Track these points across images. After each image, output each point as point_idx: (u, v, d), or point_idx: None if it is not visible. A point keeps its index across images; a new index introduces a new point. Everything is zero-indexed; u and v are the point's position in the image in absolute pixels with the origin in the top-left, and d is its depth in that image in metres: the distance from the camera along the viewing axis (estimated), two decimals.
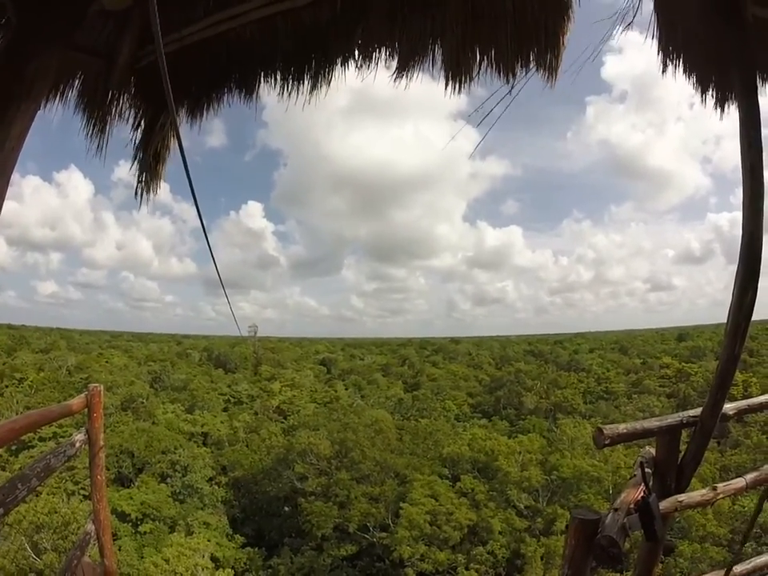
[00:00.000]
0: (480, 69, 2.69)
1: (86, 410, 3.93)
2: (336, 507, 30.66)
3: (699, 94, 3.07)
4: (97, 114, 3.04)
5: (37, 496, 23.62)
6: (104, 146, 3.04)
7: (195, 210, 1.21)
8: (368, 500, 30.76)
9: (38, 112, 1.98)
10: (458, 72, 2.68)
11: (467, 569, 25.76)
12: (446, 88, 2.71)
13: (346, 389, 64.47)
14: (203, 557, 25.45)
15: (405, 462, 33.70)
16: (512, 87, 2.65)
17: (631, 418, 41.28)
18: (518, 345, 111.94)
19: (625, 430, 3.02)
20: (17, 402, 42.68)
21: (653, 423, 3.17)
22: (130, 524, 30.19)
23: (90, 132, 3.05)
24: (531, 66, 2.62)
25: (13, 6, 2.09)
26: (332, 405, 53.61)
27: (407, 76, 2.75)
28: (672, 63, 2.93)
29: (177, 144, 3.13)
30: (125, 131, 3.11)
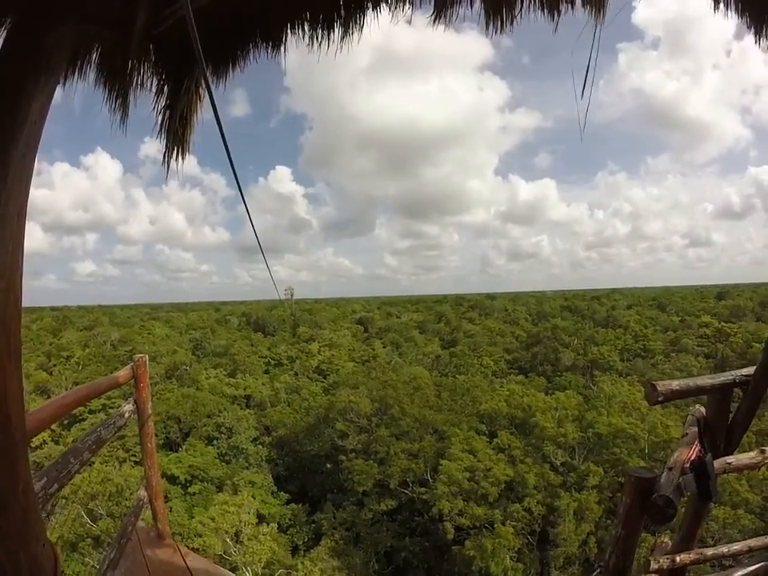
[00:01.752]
0: (522, 6, 2.48)
1: (132, 380, 4.05)
2: (376, 464, 31.50)
3: (753, 35, 2.76)
4: (118, 86, 2.97)
5: (90, 466, 24.49)
6: (127, 119, 2.99)
7: (231, 171, 1.15)
8: (407, 456, 31.45)
9: (59, 100, 1.93)
10: (498, 10, 2.47)
11: (504, 524, 26.24)
12: (486, 28, 2.50)
13: (384, 347, 65.05)
14: (249, 513, 26.48)
15: (443, 419, 34.15)
16: (556, 25, 2.44)
17: (668, 377, 40.54)
18: (554, 300, 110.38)
19: (678, 387, 2.98)
20: (65, 379, 44.87)
21: (705, 381, 3.08)
22: (180, 486, 31.81)
23: (113, 105, 3.00)
24: (576, 1, 2.40)
25: None
26: (370, 363, 54.56)
27: (446, 17, 2.54)
28: (723, 1, 2.64)
29: (206, 105, 3.06)
30: (147, 107, 3.04)
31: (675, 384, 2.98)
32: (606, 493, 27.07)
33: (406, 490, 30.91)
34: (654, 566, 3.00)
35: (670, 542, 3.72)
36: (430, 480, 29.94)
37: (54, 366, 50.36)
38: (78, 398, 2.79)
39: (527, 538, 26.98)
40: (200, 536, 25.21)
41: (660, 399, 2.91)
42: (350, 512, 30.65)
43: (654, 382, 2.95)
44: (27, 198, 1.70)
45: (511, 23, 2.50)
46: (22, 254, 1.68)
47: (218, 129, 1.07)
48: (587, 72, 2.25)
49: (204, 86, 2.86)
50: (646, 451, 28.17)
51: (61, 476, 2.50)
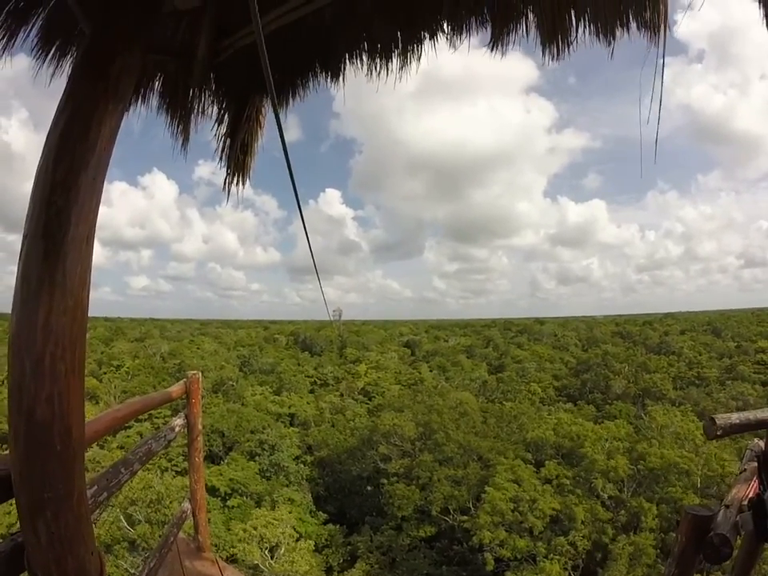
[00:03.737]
0: (578, 32, 2.46)
1: (184, 396, 4.17)
2: (418, 489, 30.94)
3: None
4: (180, 112, 3.13)
5: None
6: (188, 143, 3.13)
7: (294, 194, 1.18)
8: (450, 483, 30.73)
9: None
10: (554, 36, 2.45)
11: (547, 557, 25.15)
12: (543, 55, 2.49)
13: (431, 370, 64.22)
14: (287, 527, 26.58)
15: (489, 446, 33.28)
16: (612, 51, 2.40)
17: (723, 406, 38.39)
18: (604, 325, 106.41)
19: (738, 420, 2.82)
20: (114, 387, 46.65)
21: (766, 413, 2.91)
22: (219, 498, 32.16)
23: (175, 131, 3.15)
24: (632, 25, 2.35)
25: (84, 17, 2.16)
26: (416, 386, 53.90)
27: (502, 45, 2.56)
28: None
29: (266, 133, 3.16)
30: (202, 132, 3.18)
31: (735, 417, 2.85)
32: (658, 533, 25.51)
33: (446, 518, 30.15)
34: None
35: None
36: (472, 508, 29.11)
37: (104, 373, 52.27)
38: (131, 411, 2.89)
39: (570, 575, 25.71)
40: (241, 541, 25.48)
41: (719, 434, 2.78)
42: (387, 536, 30.14)
43: (713, 416, 2.83)
44: (96, 220, 1.79)
45: (567, 49, 2.48)
46: (90, 274, 1.77)
47: (283, 153, 1.10)
48: (652, 98, 2.18)
49: (272, 109, 2.97)
50: (699, 486, 26.49)
51: (111, 485, 2.57)
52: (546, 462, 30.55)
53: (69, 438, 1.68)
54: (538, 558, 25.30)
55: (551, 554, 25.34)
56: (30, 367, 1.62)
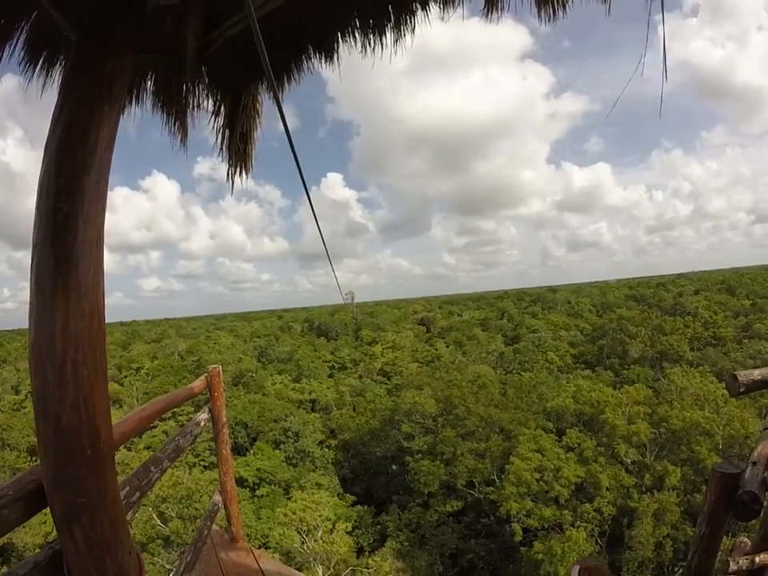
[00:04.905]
0: None
1: (206, 390, 4.22)
2: (442, 464, 31.24)
3: None
4: (175, 109, 3.10)
5: None
6: (187, 140, 3.11)
7: (300, 178, 1.17)
8: (474, 456, 31.04)
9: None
10: None
11: (573, 525, 25.33)
12: (538, 17, 2.42)
13: (447, 346, 64.22)
14: (324, 509, 27.18)
15: (509, 417, 33.44)
16: (609, 7, 2.32)
17: (741, 365, 38.02)
18: (618, 290, 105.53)
19: (760, 376, 2.84)
20: (136, 389, 47.33)
21: None
22: (248, 489, 32.77)
23: (172, 128, 3.12)
24: None
25: (69, 26, 2.13)
26: (434, 363, 54.14)
27: (496, 10, 2.49)
28: None
29: (264, 120, 3.11)
30: (198, 129, 3.15)
31: (757, 373, 2.86)
32: (682, 494, 25.59)
33: (472, 491, 30.51)
34: (733, 566, 2.83)
35: (749, 541, 3.51)
36: (497, 480, 29.39)
37: (125, 377, 53.06)
38: (156, 409, 2.93)
39: (597, 541, 25.95)
40: (281, 525, 26.11)
41: (742, 390, 2.81)
42: (415, 513, 30.58)
43: (734, 372, 2.84)
44: (104, 223, 1.79)
45: (564, 9, 2.41)
46: (103, 276, 1.78)
47: (286, 137, 1.08)
48: (645, 54, 2.10)
49: (269, 96, 2.93)
50: (721, 447, 26.46)
51: (142, 484, 2.61)
52: (568, 429, 30.64)
53: (98, 442, 1.70)
54: (564, 526, 25.53)
55: (577, 522, 25.58)
56: (52, 374, 1.63)
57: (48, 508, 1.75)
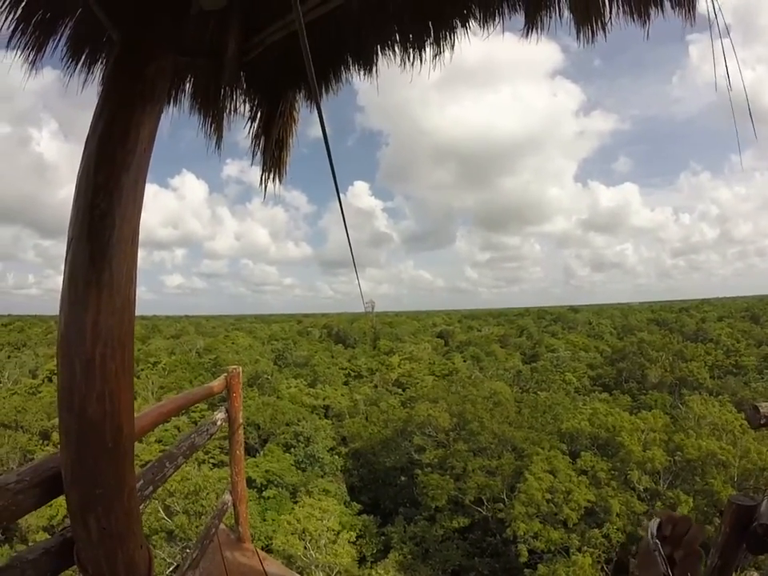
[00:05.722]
0: (611, 13, 2.39)
1: (225, 390, 4.25)
2: (452, 479, 30.88)
3: None
4: (212, 112, 3.16)
5: None
6: (221, 142, 3.16)
7: (334, 185, 1.18)
8: (484, 473, 30.60)
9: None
10: (588, 18, 2.39)
11: (580, 551, 24.72)
12: (577, 38, 2.44)
13: (464, 361, 63.51)
14: (330, 519, 26.92)
15: (523, 436, 32.96)
16: (647, 32, 2.33)
17: (762, 396, 37.04)
18: (640, 313, 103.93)
19: None
20: (152, 383, 47.82)
21: None
22: (255, 489, 32.66)
23: (208, 131, 3.18)
24: (665, 2, 2.27)
25: (111, 25, 2.19)
26: (450, 377, 53.44)
27: (536, 30, 2.51)
28: None
29: (297, 128, 3.15)
30: (231, 132, 3.20)
31: None
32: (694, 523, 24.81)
33: (480, 508, 30.05)
34: None
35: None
36: (506, 499, 28.92)
37: (142, 370, 53.42)
38: (175, 406, 2.96)
39: (603, 568, 25.31)
40: (284, 533, 25.94)
41: (763, 422, 2.77)
42: (421, 527, 30.21)
43: (756, 404, 2.79)
44: (139, 221, 1.83)
45: (603, 30, 2.41)
46: (136, 274, 1.81)
47: (324, 147, 1.09)
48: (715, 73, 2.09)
49: (307, 103, 2.96)
50: (736, 478, 25.68)
51: (156, 479, 2.64)
52: (582, 452, 30.08)
53: (120, 436, 1.73)
54: (571, 551, 24.98)
55: (584, 547, 24.97)
56: (80, 368, 1.66)
57: (61, 496, 1.77)
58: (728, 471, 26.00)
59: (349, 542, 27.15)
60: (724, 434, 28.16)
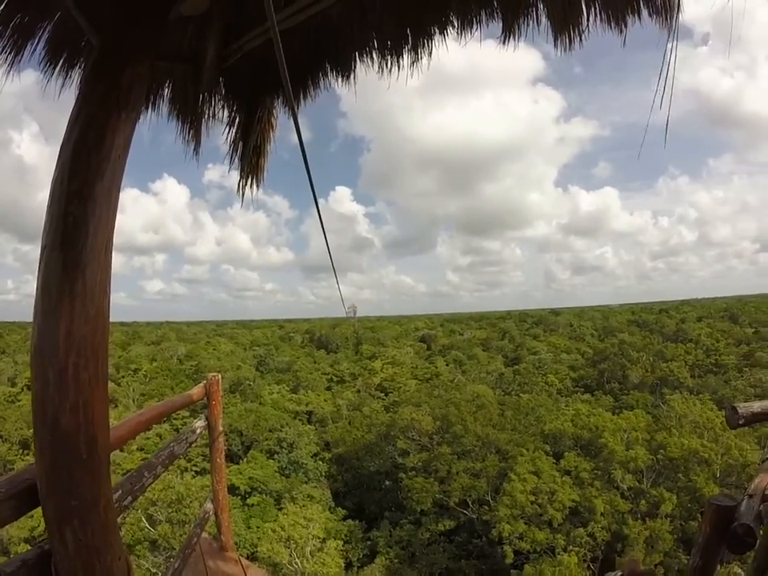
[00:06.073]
0: (589, 21, 2.43)
1: (205, 398, 4.21)
2: (436, 482, 30.91)
3: None
4: (190, 117, 3.14)
5: None
6: (200, 148, 3.14)
7: (311, 192, 1.19)
8: (469, 475, 30.69)
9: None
10: (565, 26, 2.43)
11: (565, 550, 24.95)
12: (555, 46, 2.48)
13: (447, 364, 63.98)
14: (315, 527, 26.69)
15: (507, 438, 33.16)
16: (624, 39, 2.37)
17: (742, 394, 37.83)
18: (620, 314, 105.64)
19: (760, 409, 2.85)
20: (133, 390, 47.18)
21: None
22: (239, 497, 32.36)
23: (186, 136, 3.16)
24: (643, 11, 2.32)
25: (91, 29, 2.16)
26: (433, 381, 53.82)
27: (513, 37, 2.54)
28: None
29: (277, 134, 3.15)
30: (211, 136, 3.19)
31: (757, 406, 2.88)
32: (677, 521, 25.28)
33: (465, 511, 30.14)
34: None
35: (742, 573, 3.50)
36: (491, 501, 29.05)
37: (123, 377, 52.82)
38: (154, 415, 2.93)
39: (589, 566, 25.57)
40: (269, 541, 25.75)
41: (741, 423, 2.82)
42: (406, 531, 30.20)
43: (735, 405, 2.85)
44: (114, 230, 1.80)
45: (579, 39, 2.45)
46: (110, 282, 1.78)
47: (301, 153, 1.09)
48: (658, 82, 2.14)
49: (284, 110, 2.96)
50: (718, 475, 26.26)
51: (135, 489, 2.59)
52: (565, 453, 30.37)
53: (94, 446, 1.70)
54: (557, 550, 25.19)
55: (570, 546, 25.23)
56: (53, 378, 1.64)
57: (38, 507, 1.74)
58: (710, 468, 26.53)
59: (336, 549, 26.99)
60: (705, 431, 28.67)
